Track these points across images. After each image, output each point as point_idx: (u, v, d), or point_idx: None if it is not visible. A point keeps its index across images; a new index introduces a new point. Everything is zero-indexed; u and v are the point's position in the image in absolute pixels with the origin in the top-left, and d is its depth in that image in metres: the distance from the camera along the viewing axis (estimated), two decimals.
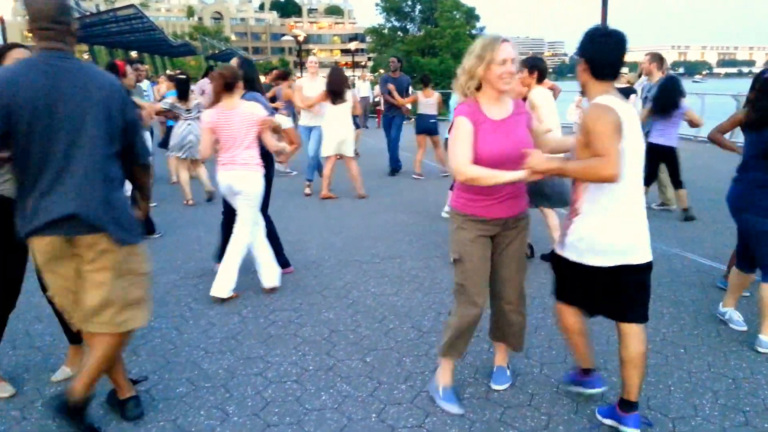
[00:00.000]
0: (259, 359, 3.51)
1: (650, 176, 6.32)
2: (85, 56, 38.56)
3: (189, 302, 4.39)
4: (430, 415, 2.92)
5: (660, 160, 6.61)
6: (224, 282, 4.36)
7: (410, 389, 3.16)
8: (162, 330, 3.92)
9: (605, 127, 2.43)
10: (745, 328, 3.81)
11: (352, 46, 51.76)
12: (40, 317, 4.07)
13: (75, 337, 3.16)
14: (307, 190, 8.41)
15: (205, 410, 2.97)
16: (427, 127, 9.57)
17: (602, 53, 2.56)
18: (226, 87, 4.31)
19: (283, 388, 3.18)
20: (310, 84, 8.48)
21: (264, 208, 4.70)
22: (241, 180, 4.34)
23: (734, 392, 3.12)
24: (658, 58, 6.99)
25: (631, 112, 2.58)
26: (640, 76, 9.33)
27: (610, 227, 2.60)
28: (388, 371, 3.36)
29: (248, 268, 4.71)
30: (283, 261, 4.91)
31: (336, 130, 7.87)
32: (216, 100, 4.39)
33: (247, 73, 4.71)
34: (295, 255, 5.47)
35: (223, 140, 4.35)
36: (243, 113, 4.33)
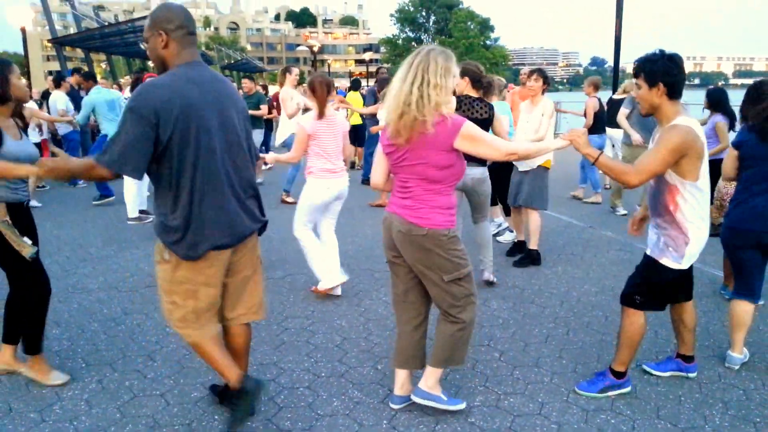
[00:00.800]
0: (272, 365, 3.57)
1: None
2: (103, 65, 39.14)
3: None
4: (441, 422, 2.95)
5: None
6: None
7: None
8: (177, 335, 3.97)
9: (668, 148, 2.75)
10: None
11: (367, 56, 51.98)
12: (59, 322, 4.16)
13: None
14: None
15: (219, 414, 3.02)
16: None
17: (675, 76, 2.83)
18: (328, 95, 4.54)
19: (295, 394, 3.23)
20: (292, 93, 8.40)
21: None
22: (346, 185, 4.68)
23: (745, 403, 3.13)
24: None
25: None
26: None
27: (705, 233, 2.98)
28: None
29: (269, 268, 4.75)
30: None
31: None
32: (321, 109, 4.50)
33: None
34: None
35: (326, 147, 4.52)
36: (340, 122, 4.66)
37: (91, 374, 3.43)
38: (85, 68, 17.87)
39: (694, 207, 2.89)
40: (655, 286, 3.08)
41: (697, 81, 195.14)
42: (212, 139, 2.48)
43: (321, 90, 4.47)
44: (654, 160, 2.77)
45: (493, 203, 6.35)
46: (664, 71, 2.82)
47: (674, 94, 2.84)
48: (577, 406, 3.11)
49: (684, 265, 2.98)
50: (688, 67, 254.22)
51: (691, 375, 3.38)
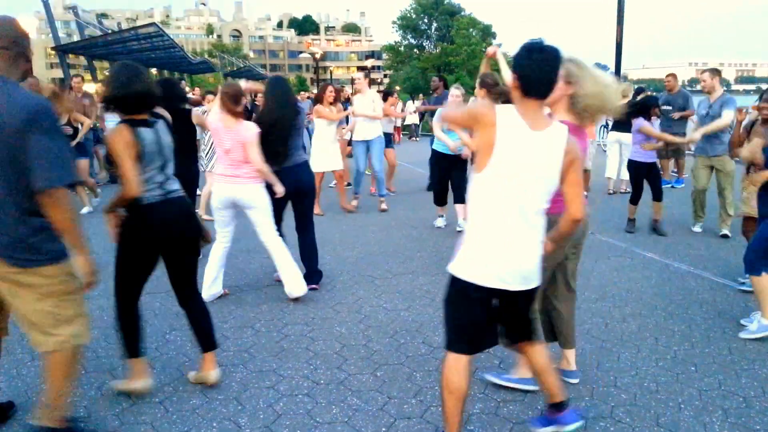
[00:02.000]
0: (272, 372, 3.57)
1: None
2: (106, 72, 39.25)
3: None
4: (440, 430, 2.94)
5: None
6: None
7: (420, 404, 3.19)
8: (176, 343, 3.99)
9: None
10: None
11: (369, 63, 52.15)
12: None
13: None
14: (354, 203, 8.53)
15: (218, 422, 3.03)
16: None
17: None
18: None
19: (294, 401, 3.23)
20: (360, 100, 8.47)
21: None
22: (243, 193, 4.60)
23: (745, 411, 3.12)
24: (719, 74, 7.07)
25: None
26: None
27: None
28: (398, 386, 3.39)
29: (263, 282, 4.77)
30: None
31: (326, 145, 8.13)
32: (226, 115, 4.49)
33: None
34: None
35: (221, 151, 4.57)
36: (244, 131, 4.49)
37: (90, 381, 3.43)
38: (87, 76, 17.92)
39: None
40: None
41: (699, 87, 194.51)
42: None
43: (225, 102, 4.42)
44: None
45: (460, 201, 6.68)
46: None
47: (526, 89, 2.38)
48: (575, 413, 3.09)
49: None
50: (690, 73, 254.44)
51: None
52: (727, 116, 6.50)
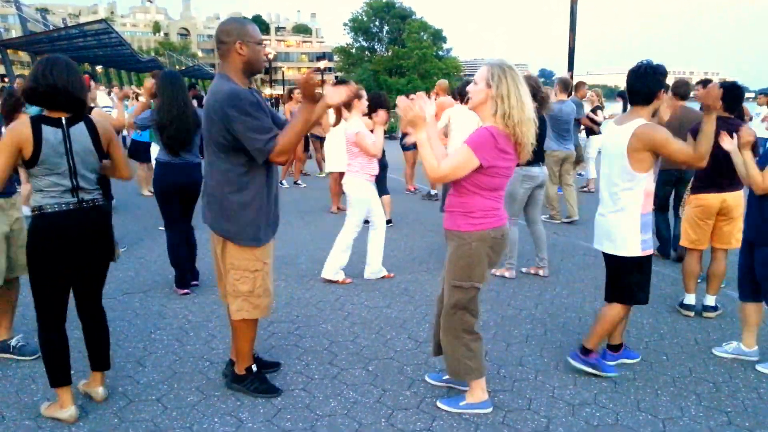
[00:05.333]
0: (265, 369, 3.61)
1: None
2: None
3: (186, 315, 4.46)
4: (437, 419, 3.06)
5: None
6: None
7: (415, 395, 3.30)
8: (164, 342, 3.99)
9: None
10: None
11: (322, 64, 52.05)
12: None
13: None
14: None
15: (219, 417, 3.06)
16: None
17: None
18: None
19: (292, 396, 3.29)
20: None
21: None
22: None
23: (716, 395, 3.35)
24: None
25: None
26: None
27: None
28: (391, 379, 3.50)
29: None
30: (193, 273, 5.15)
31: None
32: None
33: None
34: (285, 269, 5.59)
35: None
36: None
37: (81, 381, 3.40)
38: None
39: None
40: None
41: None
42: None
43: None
44: None
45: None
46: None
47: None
48: (562, 401, 3.27)
49: None
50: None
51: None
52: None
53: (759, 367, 3.66)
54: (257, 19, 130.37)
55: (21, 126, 2.77)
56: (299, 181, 10.47)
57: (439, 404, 3.19)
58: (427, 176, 2.97)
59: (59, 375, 2.98)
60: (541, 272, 5.55)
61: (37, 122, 2.78)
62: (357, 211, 5.30)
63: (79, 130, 2.87)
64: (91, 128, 2.92)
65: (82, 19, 75.28)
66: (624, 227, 3.29)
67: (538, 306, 4.76)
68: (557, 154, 7.71)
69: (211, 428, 2.97)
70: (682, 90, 6.03)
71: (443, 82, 9.57)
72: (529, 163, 5.16)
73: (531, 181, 5.40)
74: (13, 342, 3.71)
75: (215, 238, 3.15)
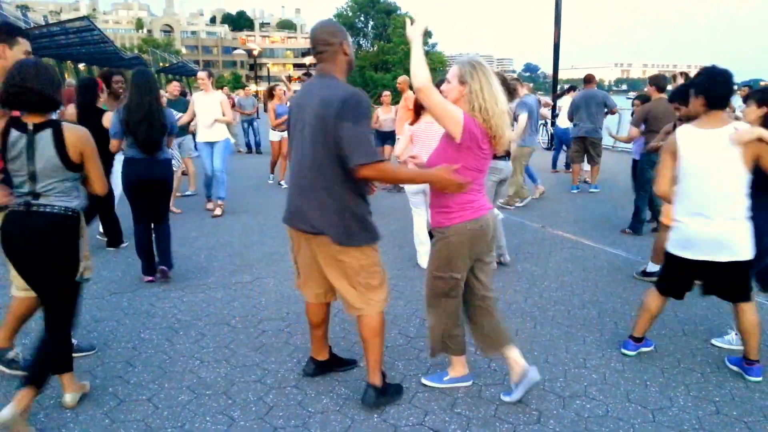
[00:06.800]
0: (256, 367, 3.61)
1: None
2: None
3: (176, 314, 4.44)
4: (429, 413, 3.07)
5: None
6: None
7: (407, 390, 3.31)
8: (153, 341, 3.96)
9: None
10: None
11: (307, 60, 51.84)
12: (27, 332, 4.05)
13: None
14: (218, 210, 8.13)
15: (211, 416, 3.05)
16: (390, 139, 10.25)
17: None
18: None
19: (283, 393, 3.29)
20: (204, 99, 8.10)
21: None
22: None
23: (704, 385, 3.39)
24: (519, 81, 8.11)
25: None
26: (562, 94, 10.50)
27: None
28: None
29: (231, 279, 4.77)
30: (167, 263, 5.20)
31: None
32: None
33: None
34: (275, 266, 5.58)
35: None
36: None
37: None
38: None
39: None
40: None
41: (624, 87, 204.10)
42: (294, 134, 3.01)
43: None
44: None
45: None
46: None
47: None
48: (553, 393, 3.30)
49: None
50: (616, 74, 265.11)
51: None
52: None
53: (714, 341, 3.90)
54: (241, 15, 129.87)
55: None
56: (282, 182, 10.36)
57: (423, 381, 3.37)
58: None
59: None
60: (502, 259, 5.70)
61: (9, 123, 2.83)
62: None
63: (44, 139, 2.83)
64: (58, 137, 2.85)
65: (64, 17, 74.41)
66: (744, 232, 3.32)
67: (528, 300, 4.78)
68: (532, 149, 8.50)
69: (203, 427, 2.96)
70: (661, 84, 6.89)
71: (405, 78, 9.62)
72: (497, 157, 5.33)
73: (498, 173, 5.65)
74: (11, 354, 3.51)
75: (330, 248, 2.94)
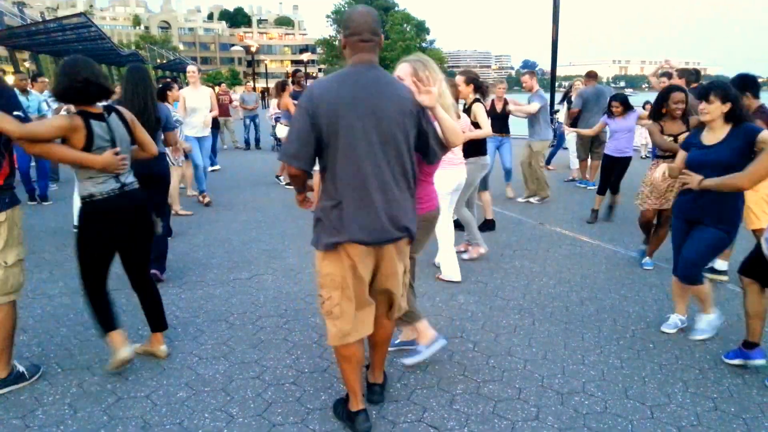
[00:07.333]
0: (254, 363, 3.60)
1: None
2: (27, 64, 37.54)
3: (174, 311, 4.43)
4: (428, 410, 3.08)
5: None
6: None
7: (405, 387, 3.31)
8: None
9: None
10: None
11: (305, 57, 51.75)
12: (24, 328, 4.05)
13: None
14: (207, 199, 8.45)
15: (209, 413, 3.05)
16: None
17: None
18: None
19: (282, 390, 3.28)
20: (193, 94, 8.33)
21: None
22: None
23: (702, 381, 3.40)
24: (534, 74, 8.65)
25: None
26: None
27: None
28: None
29: (229, 276, 4.77)
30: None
31: None
32: None
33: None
34: (273, 263, 5.58)
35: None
36: None
37: (69, 379, 3.38)
38: (9, 68, 16.97)
39: None
40: None
41: (622, 83, 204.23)
42: (355, 136, 2.53)
43: None
44: None
45: None
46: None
47: None
48: (551, 390, 3.30)
49: None
50: (614, 71, 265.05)
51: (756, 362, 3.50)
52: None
53: (692, 336, 3.95)
54: (239, 12, 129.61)
55: (73, 120, 3.07)
56: (281, 177, 10.34)
57: (405, 362, 3.49)
58: None
59: (109, 323, 3.38)
60: (482, 250, 5.80)
61: (83, 116, 3.10)
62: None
63: (115, 122, 3.26)
64: (121, 117, 3.33)
65: (61, 13, 74.15)
66: None
67: (526, 296, 4.79)
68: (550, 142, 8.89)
69: (202, 424, 2.96)
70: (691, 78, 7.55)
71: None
72: (484, 153, 5.85)
73: (484, 169, 5.92)
74: (20, 368, 3.36)
75: (403, 249, 2.79)
